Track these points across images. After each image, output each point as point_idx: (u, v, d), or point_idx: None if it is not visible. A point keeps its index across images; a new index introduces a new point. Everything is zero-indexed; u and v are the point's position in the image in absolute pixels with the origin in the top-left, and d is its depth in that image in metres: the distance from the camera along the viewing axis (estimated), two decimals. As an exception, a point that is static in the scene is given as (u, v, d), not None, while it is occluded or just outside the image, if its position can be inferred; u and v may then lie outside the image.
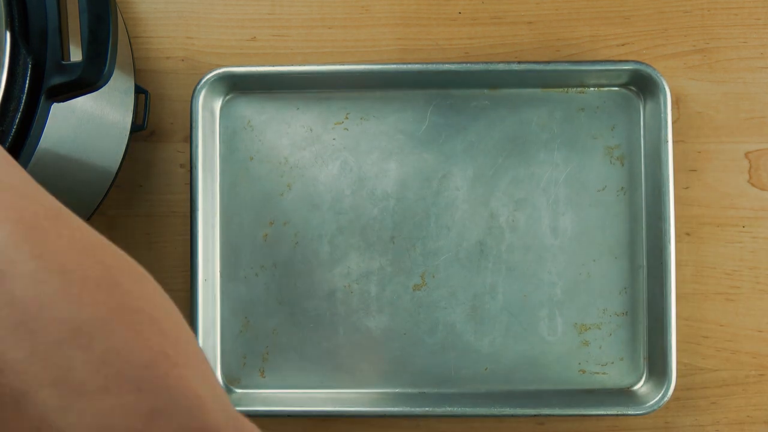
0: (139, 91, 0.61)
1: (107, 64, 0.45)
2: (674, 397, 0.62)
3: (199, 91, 0.61)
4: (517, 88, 0.63)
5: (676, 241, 0.63)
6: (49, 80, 0.45)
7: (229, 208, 0.63)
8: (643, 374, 0.62)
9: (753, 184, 0.63)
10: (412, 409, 0.61)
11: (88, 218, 0.62)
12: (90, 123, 0.54)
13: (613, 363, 0.62)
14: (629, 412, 0.60)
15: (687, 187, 0.63)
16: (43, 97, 0.45)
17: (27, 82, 0.45)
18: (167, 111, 0.64)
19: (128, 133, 0.60)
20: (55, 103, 0.47)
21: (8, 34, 0.45)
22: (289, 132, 0.63)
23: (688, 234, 0.63)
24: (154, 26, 0.64)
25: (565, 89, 0.62)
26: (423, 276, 0.62)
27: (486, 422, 0.63)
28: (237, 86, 0.63)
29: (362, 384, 0.63)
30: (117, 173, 0.61)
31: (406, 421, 0.63)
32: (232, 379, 0.63)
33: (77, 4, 0.47)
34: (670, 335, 0.59)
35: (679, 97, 0.61)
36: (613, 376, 0.62)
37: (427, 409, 0.61)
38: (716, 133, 0.63)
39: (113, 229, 0.64)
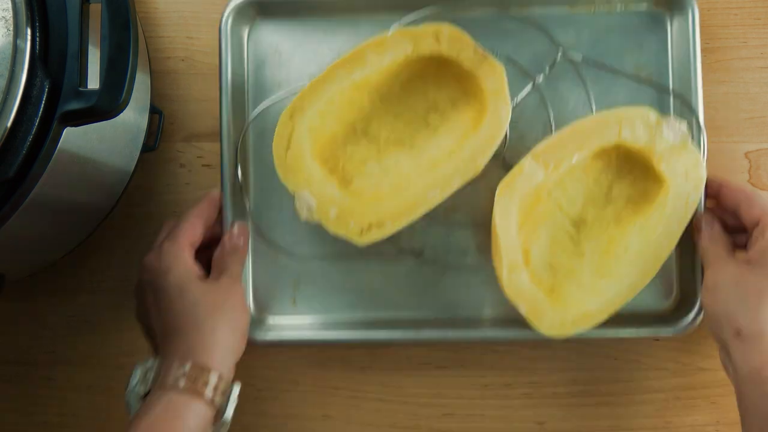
0: (153, 111, 0.63)
1: (123, 94, 0.47)
2: (674, 397, 0.64)
3: (228, 16, 0.63)
4: (543, 6, 0.64)
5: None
6: (64, 105, 0.47)
7: (259, 137, 0.64)
8: (674, 296, 0.63)
9: (753, 184, 0.64)
10: (443, 333, 0.63)
11: (102, 221, 0.63)
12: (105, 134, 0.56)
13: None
14: (662, 334, 0.62)
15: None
16: (56, 122, 0.46)
17: (42, 105, 0.46)
18: (167, 111, 0.65)
19: (138, 152, 0.62)
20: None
21: (27, 57, 0.46)
22: (317, 59, 0.65)
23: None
24: (154, 26, 0.66)
25: (592, 8, 0.64)
26: (454, 203, 0.63)
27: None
28: (265, 11, 0.64)
29: (392, 311, 0.64)
30: (127, 186, 0.63)
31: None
32: (263, 308, 0.65)
33: (99, 30, 0.48)
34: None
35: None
36: (645, 299, 0.63)
37: (457, 332, 0.63)
38: (716, 133, 0.64)
39: (114, 229, 0.66)
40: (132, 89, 0.48)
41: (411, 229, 0.63)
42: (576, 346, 0.65)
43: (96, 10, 0.49)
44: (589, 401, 0.65)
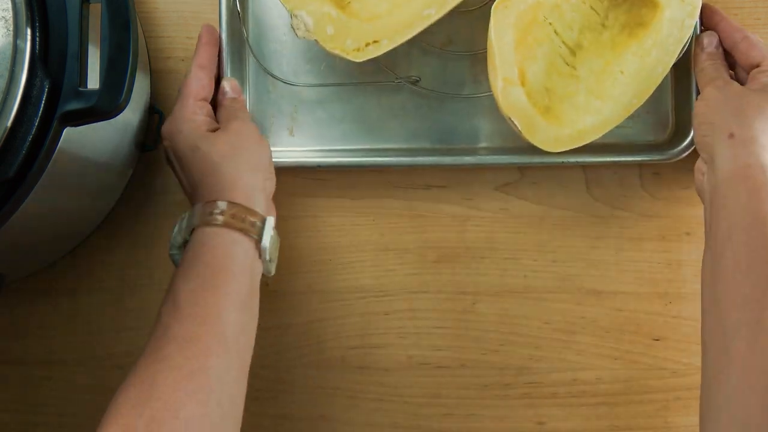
0: (153, 111, 0.63)
1: (123, 94, 0.47)
2: (674, 397, 0.64)
3: None
4: None
5: (676, 242, 0.64)
6: (64, 105, 0.47)
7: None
8: (669, 128, 0.65)
9: (753, 184, 0.64)
10: (439, 159, 0.63)
11: (102, 221, 0.63)
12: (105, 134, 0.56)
13: (639, 116, 0.64)
14: (655, 158, 0.63)
15: (687, 187, 0.64)
16: (56, 122, 0.46)
17: (42, 105, 0.46)
18: (167, 111, 0.65)
19: (139, 152, 0.62)
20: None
21: (27, 57, 0.46)
22: None
23: (688, 234, 0.64)
24: (153, 26, 0.66)
25: None
26: (450, 36, 0.64)
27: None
28: None
29: (389, 141, 0.65)
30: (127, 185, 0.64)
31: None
32: None
33: (99, 30, 0.48)
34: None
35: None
36: (641, 132, 0.64)
37: (453, 158, 0.63)
38: (716, 133, 0.64)
39: (113, 229, 0.66)
40: (132, 89, 0.48)
41: (408, 60, 0.64)
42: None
43: (96, 10, 0.49)
44: (589, 401, 0.65)
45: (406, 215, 0.65)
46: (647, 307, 0.65)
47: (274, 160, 0.61)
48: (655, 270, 0.65)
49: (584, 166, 0.65)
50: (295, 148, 0.65)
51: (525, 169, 0.65)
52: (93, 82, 0.48)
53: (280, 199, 0.64)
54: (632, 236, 0.65)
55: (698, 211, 0.64)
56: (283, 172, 0.63)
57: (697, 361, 0.64)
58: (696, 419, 0.64)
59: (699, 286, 0.64)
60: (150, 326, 0.65)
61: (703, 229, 0.64)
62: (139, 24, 0.59)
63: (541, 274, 0.65)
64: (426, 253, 0.65)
